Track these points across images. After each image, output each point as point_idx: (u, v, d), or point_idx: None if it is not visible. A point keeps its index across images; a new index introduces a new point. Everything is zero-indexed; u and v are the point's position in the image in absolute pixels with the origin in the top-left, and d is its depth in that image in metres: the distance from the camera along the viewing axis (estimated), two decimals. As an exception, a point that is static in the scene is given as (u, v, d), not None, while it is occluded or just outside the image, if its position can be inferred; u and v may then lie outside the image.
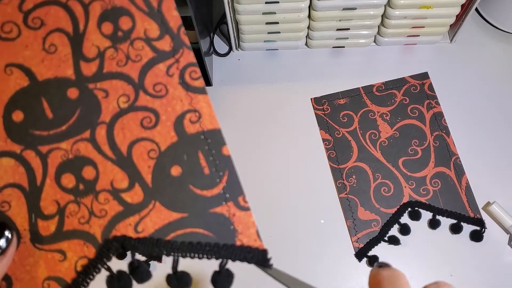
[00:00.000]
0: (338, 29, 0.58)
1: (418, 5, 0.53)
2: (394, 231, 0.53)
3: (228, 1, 0.53)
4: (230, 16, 0.56)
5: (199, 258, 0.23)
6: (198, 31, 0.50)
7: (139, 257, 0.24)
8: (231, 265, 0.23)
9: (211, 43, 0.63)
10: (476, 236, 0.52)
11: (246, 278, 0.45)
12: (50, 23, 0.25)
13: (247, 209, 0.24)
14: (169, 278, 0.23)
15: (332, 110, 0.58)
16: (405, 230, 0.52)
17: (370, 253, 0.52)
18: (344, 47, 0.62)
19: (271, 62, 0.63)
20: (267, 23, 0.56)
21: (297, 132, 0.58)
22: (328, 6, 0.53)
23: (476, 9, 0.63)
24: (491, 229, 0.52)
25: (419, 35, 0.59)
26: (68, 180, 0.25)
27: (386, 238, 0.52)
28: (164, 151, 0.24)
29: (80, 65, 0.25)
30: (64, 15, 0.25)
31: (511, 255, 0.51)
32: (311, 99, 0.60)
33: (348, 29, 0.58)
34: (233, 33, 0.60)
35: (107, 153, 0.25)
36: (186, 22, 0.59)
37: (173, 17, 0.25)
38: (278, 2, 0.52)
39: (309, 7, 0.54)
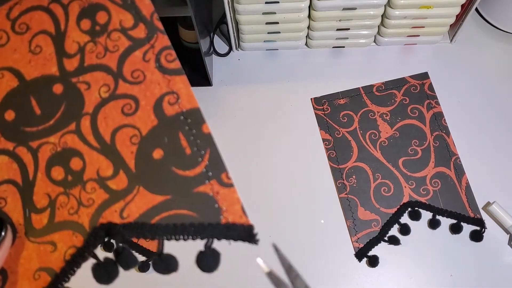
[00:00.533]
0: (338, 29, 0.58)
1: (418, 5, 0.53)
2: (394, 231, 0.53)
3: (228, 1, 0.53)
4: (230, 16, 0.56)
5: (184, 239, 0.23)
6: (198, 31, 0.50)
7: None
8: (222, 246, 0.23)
9: (211, 43, 0.63)
10: (476, 236, 0.52)
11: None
12: (35, 26, 0.26)
13: (230, 185, 0.23)
14: (155, 262, 0.23)
15: (332, 110, 0.58)
16: (405, 230, 0.52)
17: (370, 253, 0.52)
18: (344, 47, 0.62)
19: (271, 62, 0.63)
20: (267, 23, 0.56)
21: (297, 132, 0.58)
22: (328, 6, 0.53)
23: (476, 9, 0.63)
24: (491, 229, 0.52)
25: (419, 35, 0.59)
26: (58, 172, 0.25)
27: (386, 238, 0.52)
28: (145, 136, 0.25)
29: (63, 62, 0.26)
30: (46, 18, 0.26)
31: (511, 255, 0.51)
32: (311, 99, 0.60)
33: (348, 29, 0.58)
34: (233, 33, 0.60)
35: (92, 143, 0.25)
36: (186, 22, 0.59)
37: (146, 6, 0.25)
38: (278, 2, 0.52)
39: (309, 7, 0.54)
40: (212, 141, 0.24)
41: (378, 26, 0.58)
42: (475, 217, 0.52)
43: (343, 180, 0.55)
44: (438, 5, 0.53)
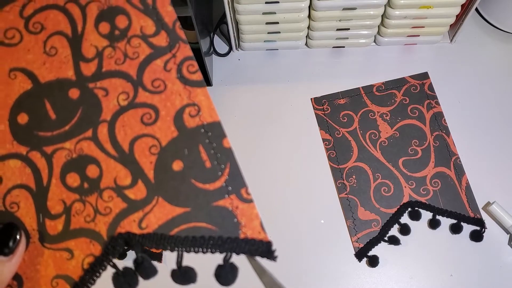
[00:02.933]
0: (338, 29, 0.58)
1: (418, 5, 0.53)
2: (394, 231, 0.53)
3: (228, 1, 0.53)
4: (230, 16, 0.56)
5: (203, 252, 0.23)
6: (198, 31, 0.50)
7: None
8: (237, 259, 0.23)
9: (211, 43, 0.63)
10: (476, 236, 0.52)
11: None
12: (50, 26, 0.25)
13: (250, 201, 0.23)
14: (174, 274, 0.23)
15: (332, 110, 0.58)
16: (405, 230, 0.52)
17: (370, 253, 0.52)
18: (344, 47, 0.62)
19: (271, 62, 0.63)
20: (267, 23, 0.56)
21: (297, 132, 0.58)
22: (328, 6, 0.53)
23: (476, 9, 0.63)
24: (491, 229, 0.52)
25: (419, 35, 0.59)
26: (73, 179, 0.25)
27: (386, 238, 0.52)
28: (165, 147, 0.24)
29: (80, 66, 0.25)
30: (62, 18, 0.25)
31: (511, 255, 0.51)
32: (311, 99, 0.60)
33: (348, 29, 0.58)
34: (233, 33, 0.60)
35: (110, 151, 0.25)
36: (186, 22, 0.59)
37: (168, 13, 0.25)
38: (278, 2, 0.52)
39: (309, 7, 0.54)
40: (233, 155, 0.24)
41: (378, 26, 0.58)
42: (475, 217, 0.52)
43: (343, 180, 0.55)
44: (438, 5, 0.53)
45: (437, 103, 0.58)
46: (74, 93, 0.25)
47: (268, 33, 0.59)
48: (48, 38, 0.26)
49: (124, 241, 0.24)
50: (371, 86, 0.59)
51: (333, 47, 0.62)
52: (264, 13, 0.54)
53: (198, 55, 0.55)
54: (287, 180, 0.56)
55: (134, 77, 0.25)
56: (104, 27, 0.25)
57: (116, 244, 0.24)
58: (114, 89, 0.25)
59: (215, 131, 0.24)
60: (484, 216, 0.53)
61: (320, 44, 0.61)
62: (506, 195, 0.54)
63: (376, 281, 0.51)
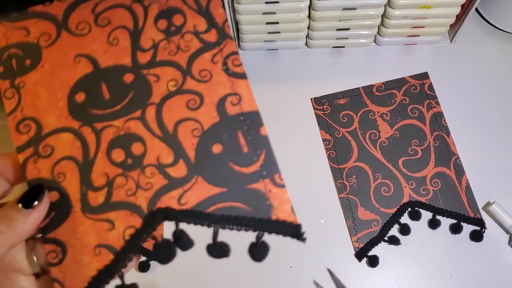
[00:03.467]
0: (338, 29, 0.58)
1: (418, 5, 0.53)
2: (394, 231, 0.53)
3: (228, 1, 0.53)
4: (230, 16, 0.56)
5: (237, 230, 0.25)
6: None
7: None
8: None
9: (211, 43, 0.63)
10: (476, 236, 0.52)
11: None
12: (115, 21, 0.29)
13: (282, 186, 0.26)
14: (210, 248, 0.25)
15: (332, 110, 0.58)
16: (405, 230, 0.52)
17: (370, 253, 0.52)
18: (344, 47, 0.62)
19: (271, 62, 0.63)
20: (267, 23, 0.56)
21: (297, 132, 0.58)
22: (328, 6, 0.53)
23: (476, 9, 0.63)
24: (491, 229, 0.52)
25: (419, 35, 0.59)
26: (118, 154, 0.27)
27: (386, 238, 0.52)
28: (206, 130, 0.27)
29: (136, 55, 0.28)
30: (127, 15, 0.29)
31: (511, 255, 0.51)
32: (311, 99, 0.60)
33: (348, 29, 0.58)
34: (233, 33, 0.60)
35: (155, 131, 0.27)
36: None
37: (219, 14, 0.28)
38: (278, 2, 0.52)
39: (309, 7, 0.54)
40: (268, 143, 0.27)
41: (378, 26, 0.58)
42: (475, 217, 0.52)
43: (343, 180, 0.55)
44: (438, 5, 0.53)
45: (437, 103, 0.58)
46: (128, 78, 0.28)
47: (268, 33, 0.59)
48: (113, 30, 0.29)
49: (164, 216, 0.26)
50: (371, 86, 0.59)
51: (333, 47, 0.62)
52: (264, 13, 0.54)
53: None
54: (287, 180, 0.56)
55: (184, 67, 0.28)
56: (162, 24, 0.28)
57: (156, 218, 0.26)
58: (165, 76, 0.28)
59: (253, 119, 0.27)
60: (484, 216, 0.53)
61: (320, 44, 0.61)
62: (506, 195, 0.54)
63: (376, 281, 0.51)
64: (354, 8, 0.54)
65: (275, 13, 0.54)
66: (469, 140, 0.56)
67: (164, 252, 0.25)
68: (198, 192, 0.26)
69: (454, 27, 0.60)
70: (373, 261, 0.51)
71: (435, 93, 0.58)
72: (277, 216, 0.25)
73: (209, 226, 0.25)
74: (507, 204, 0.52)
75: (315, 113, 0.59)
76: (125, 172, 0.27)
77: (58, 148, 0.27)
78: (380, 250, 0.52)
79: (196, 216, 0.25)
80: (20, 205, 0.25)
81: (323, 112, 0.59)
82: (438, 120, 0.57)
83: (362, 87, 0.59)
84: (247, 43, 0.61)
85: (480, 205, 0.53)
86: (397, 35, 0.59)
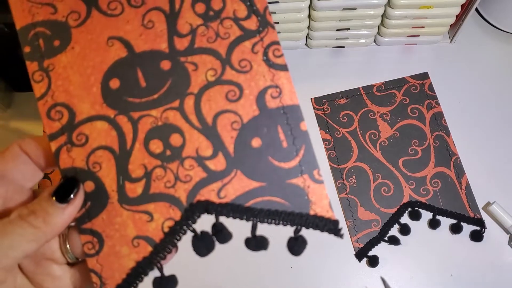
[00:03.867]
0: (338, 29, 0.58)
1: (418, 5, 0.53)
2: (394, 231, 0.53)
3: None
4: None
5: (276, 224, 0.25)
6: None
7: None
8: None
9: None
10: (476, 236, 0.52)
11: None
12: (150, 2, 0.27)
13: (321, 182, 0.26)
14: (248, 241, 0.25)
15: (332, 110, 0.58)
16: (405, 230, 0.52)
17: (370, 253, 0.52)
18: (344, 47, 0.62)
19: (271, 62, 0.62)
20: (267, 23, 0.56)
21: (297, 132, 0.58)
22: (328, 6, 0.53)
23: (476, 9, 0.63)
24: (491, 229, 0.52)
25: (419, 35, 0.59)
26: (156, 145, 0.26)
27: (386, 238, 0.52)
28: (246, 123, 0.26)
29: (173, 40, 0.27)
30: None
31: (511, 255, 0.51)
32: (311, 99, 0.60)
33: (348, 29, 0.58)
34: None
35: (194, 122, 0.26)
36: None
37: (260, 0, 0.27)
38: (278, 2, 0.52)
39: (309, 7, 0.54)
40: (308, 138, 0.26)
41: (378, 26, 0.58)
42: (475, 217, 0.52)
43: (343, 180, 0.55)
44: (438, 5, 0.53)
45: (437, 103, 0.58)
46: (165, 65, 0.27)
47: (268, 33, 0.59)
48: (147, 12, 0.27)
49: (204, 208, 0.25)
50: (371, 86, 0.59)
51: (333, 47, 0.62)
52: (264, 13, 0.54)
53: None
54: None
55: (223, 56, 0.26)
56: (200, 7, 0.27)
57: (196, 210, 0.25)
58: (204, 64, 0.26)
59: (294, 113, 0.26)
60: (484, 216, 0.53)
61: (320, 44, 0.61)
62: (506, 195, 0.54)
63: (376, 281, 0.51)
64: (354, 8, 0.54)
65: (275, 13, 0.54)
66: (469, 140, 0.56)
67: (204, 245, 0.25)
68: (237, 186, 0.25)
69: (454, 27, 0.60)
70: (373, 261, 0.51)
71: (435, 93, 0.58)
72: (315, 211, 0.25)
73: (247, 219, 0.25)
74: (507, 204, 0.52)
75: (315, 113, 0.59)
76: (164, 164, 0.26)
77: (93, 137, 0.26)
78: (380, 250, 0.52)
79: (235, 209, 0.25)
80: (54, 198, 0.24)
81: (323, 112, 0.59)
82: (438, 120, 0.57)
83: (362, 87, 0.59)
84: (247, 43, 0.61)
85: (480, 205, 0.53)
86: (397, 35, 0.59)
